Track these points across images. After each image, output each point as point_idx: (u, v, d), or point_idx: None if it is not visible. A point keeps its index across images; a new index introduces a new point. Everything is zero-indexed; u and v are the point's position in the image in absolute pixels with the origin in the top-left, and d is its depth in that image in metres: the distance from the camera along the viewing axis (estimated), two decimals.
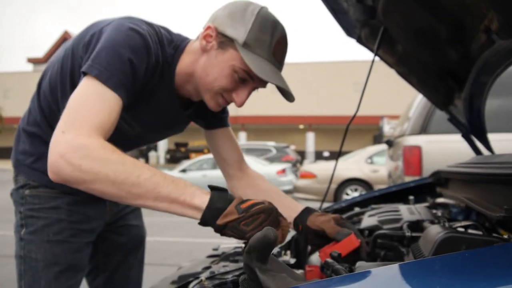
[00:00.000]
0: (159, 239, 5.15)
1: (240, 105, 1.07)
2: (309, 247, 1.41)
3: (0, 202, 4.87)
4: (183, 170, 10.15)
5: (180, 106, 1.17)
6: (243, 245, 0.90)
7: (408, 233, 1.08)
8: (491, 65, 1.41)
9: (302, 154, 21.79)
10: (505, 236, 0.95)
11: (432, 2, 1.21)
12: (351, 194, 7.72)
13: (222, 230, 0.85)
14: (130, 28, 0.98)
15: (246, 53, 0.99)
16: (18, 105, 24.01)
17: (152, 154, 27.09)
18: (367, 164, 7.97)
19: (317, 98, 25.20)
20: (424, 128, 3.65)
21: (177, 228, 5.91)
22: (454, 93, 1.73)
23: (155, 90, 1.08)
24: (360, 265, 0.82)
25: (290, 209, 1.19)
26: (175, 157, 25.68)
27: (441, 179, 1.63)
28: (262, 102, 21.49)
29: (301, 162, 15.10)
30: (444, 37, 1.37)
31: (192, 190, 0.87)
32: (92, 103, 0.90)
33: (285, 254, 1.22)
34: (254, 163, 9.47)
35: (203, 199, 0.86)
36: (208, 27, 1.03)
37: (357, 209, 1.66)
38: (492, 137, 1.86)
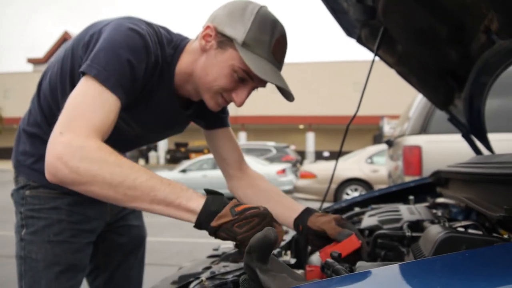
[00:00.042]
0: (159, 239, 5.15)
1: (239, 104, 1.07)
2: (309, 247, 1.41)
3: (0, 202, 4.87)
4: (183, 170, 10.15)
5: (180, 106, 1.17)
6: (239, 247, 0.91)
7: (408, 233, 1.08)
8: (491, 65, 1.41)
9: (302, 154, 21.79)
10: (505, 236, 0.95)
11: (432, 2, 1.21)
12: (351, 194, 7.72)
13: (216, 232, 0.86)
14: (129, 28, 0.98)
15: (246, 52, 0.99)
16: (18, 105, 24.05)
17: (152, 154, 27.10)
18: (367, 164, 7.97)
19: (317, 98, 25.20)
20: (424, 128, 3.65)
21: (177, 228, 5.91)
22: (454, 93, 1.73)
23: (155, 90, 1.08)
24: (361, 265, 0.82)
25: (290, 210, 1.19)
26: (175, 157, 25.69)
27: (441, 179, 1.63)
28: (262, 102, 21.50)
29: (301, 162, 15.10)
30: (444, 37, 1.37)
31: (188, 194, 0.88)
32: (90, 104, 0.90)
33: (285, 254, 1.21)
34: (254, 163, 9.47)
35: (198, 203, 0.87)
36: (207, 27, 1.03)
37: (357, 209, 1.66)
38: (492, 137, 1.86)
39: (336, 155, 1.63)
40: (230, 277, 1.05)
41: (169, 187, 0.87)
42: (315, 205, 1.39)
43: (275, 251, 1.22)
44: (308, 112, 25.18)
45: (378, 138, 12.65)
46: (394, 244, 1.08)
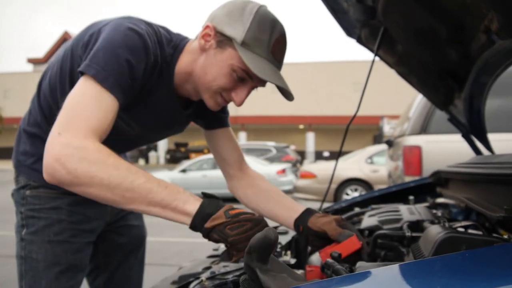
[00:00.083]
0: (159, 239, 5.15)
1: (239, 104, 1.06)
2: (309, 248, 1.41)
3: (0, 202, 4.87)
4: (183, 170, 10.14)
5: (180, 106, 1.17)
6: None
7: (408, 233, 1.08)
8: (491, 65, 1.41)
9: (302, 154, 21.79)
10: (505, 236, 0.95)
11: (432, 2, 1.21)
12: (351, 194, 7.72)
13: (209, 234, 0.87)
14: (128, 28, 0.98)
15: (245, 52, 0.99)
16: (18, 105, 24.06)
17: (152, 154, 27.10)
18: (367, 164, 7.97)
19: (317, 98, 25.20)
20: (424, 128, 3.65)
21: (177, 228, 5.89)
22: (454, 93, 1.73)
23: (154, 90, 1.08)
24: (360, 265, 0.82)
25: (290, 210, 1.19)
26: (175, 157, 25.69)
27: (441, 179, 1.63)
28: (262, 102, 21.50)
29: (301, 162, 15.10)
30: (444, 37, 1.37)
31: (184, 196, 0.88)
32: (89, 104, 0.90)
33: (285, 254, 1.21)
34: (254, 163, 9.47)
35: (194, 205, 0.88)
36: (207, 26, 1.03)
37: (357, 209, 1.66)
38: (492, 137, 1.86)
39: (336, 155, 1.63)
40: (230, 277, 1.05)
41: (166, 189, 0.87)
42: (315, 205, 1.39)
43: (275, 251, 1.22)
44: (308, 112, 25.18)
45: (378, 138, 12.65)
46: (394, 244, 1.08)
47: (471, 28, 1.22)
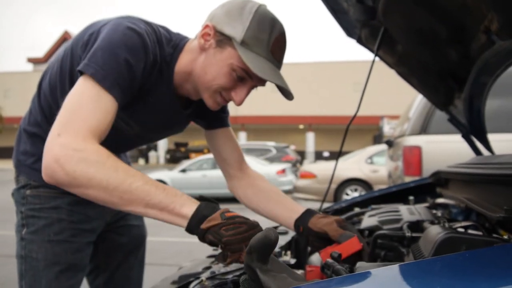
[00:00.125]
0: (159, 239, 5.15)
1: (239, 103, 1.06)
2: (309, 248, 1.41)
3: (0, 202, 4.87)
4: (183, 170, 10.14)
5: (180, 106, 1.17)
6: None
7: (408, 234, 1.08)
8: (491, 66, 1.41)
9: (302, 154, 21.79)
10: (505, 237, 0.95)
11: (432, 2, 1.21)
12: (351, 194, 7.72)
13: (204, 235, 0.87)
14: (127, 27, 0.98)
15: (244, 51, 0.99)
16: (18, 105, 24.05)
17: (152, 154, 27.10)
18: (367, 164, 7.97)
19: (317, 98, 25.20)
20: (424, 128, 3.65)
21: (177, 228, 5.87)
22: (454, 94, 1.73)
23: (154, 89, 1.08)
24: (360, 265, 0.82)
25: (290, 210, 1.20)
26: (175, 157, 25.68)
27: (441, 180, 1.63)
28: (262, 102, 21.50)
29: (301, 162, 15.09)
30: (444, 38, 1.37)
31: (182, 200, 0.89)
32: (87, 104, 0.91)
33: (285, 254, 1.22)
34: (254, 163, 9.46)
35: (191, 208, 0.88)
36: (206, 26, 1.03)
37: (357, 209, 1.66)
38: (492, 137, 1.86)
39: (336, 155, 1.63)
40: (230, 277, 1.05)
41: (163, 192, 0.88)
42: (315, 205, 1.39)
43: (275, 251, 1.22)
44: (308, 112, 25.18)
45: (378, 138, 12.64)
46: (394, 245, 1.08)
47: (471, 28, 1.22)
